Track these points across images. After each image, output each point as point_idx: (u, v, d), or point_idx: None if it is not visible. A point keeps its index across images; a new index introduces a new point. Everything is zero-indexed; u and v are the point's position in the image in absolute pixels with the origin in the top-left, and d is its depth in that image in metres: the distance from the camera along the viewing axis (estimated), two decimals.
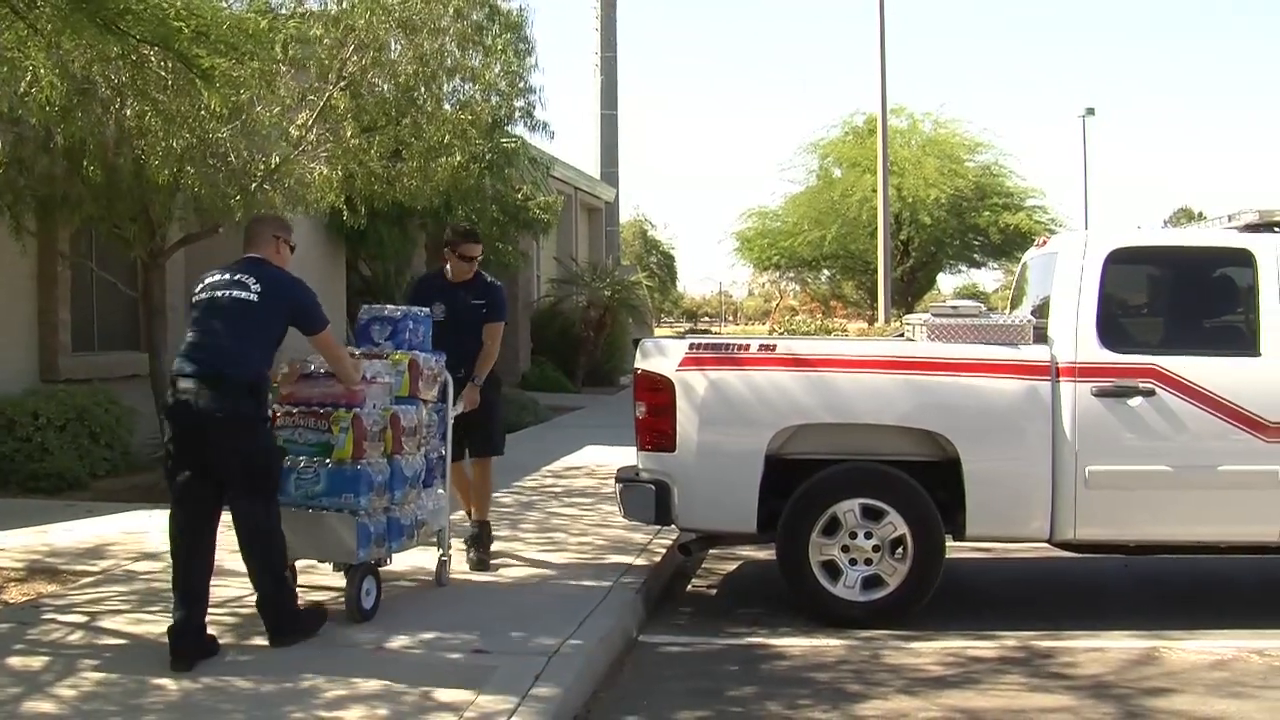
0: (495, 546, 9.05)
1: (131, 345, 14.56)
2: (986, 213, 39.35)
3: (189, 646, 6.43)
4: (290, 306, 6.91)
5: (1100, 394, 7.77)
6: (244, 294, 6.78)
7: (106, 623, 7.11)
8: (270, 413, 7.17)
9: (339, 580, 7.52)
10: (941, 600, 7.95)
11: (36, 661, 6.35)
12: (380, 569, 7.53)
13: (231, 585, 7.90)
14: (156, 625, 7.02)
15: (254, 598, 6.88)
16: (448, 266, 9.11)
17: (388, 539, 7.47)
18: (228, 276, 6.90)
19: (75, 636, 6.86)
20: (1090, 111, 50.21)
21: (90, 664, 6.34)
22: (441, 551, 8.24)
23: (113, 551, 9.00)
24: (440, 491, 8.21)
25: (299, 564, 7.53)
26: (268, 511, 6.82)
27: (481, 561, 8.74)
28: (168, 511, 6.81)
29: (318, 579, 7.84)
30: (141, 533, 9.67)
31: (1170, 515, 7.90)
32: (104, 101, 10.00)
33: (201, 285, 6.97)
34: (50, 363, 13.27)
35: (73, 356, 13.62)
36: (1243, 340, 8.05)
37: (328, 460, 7.24)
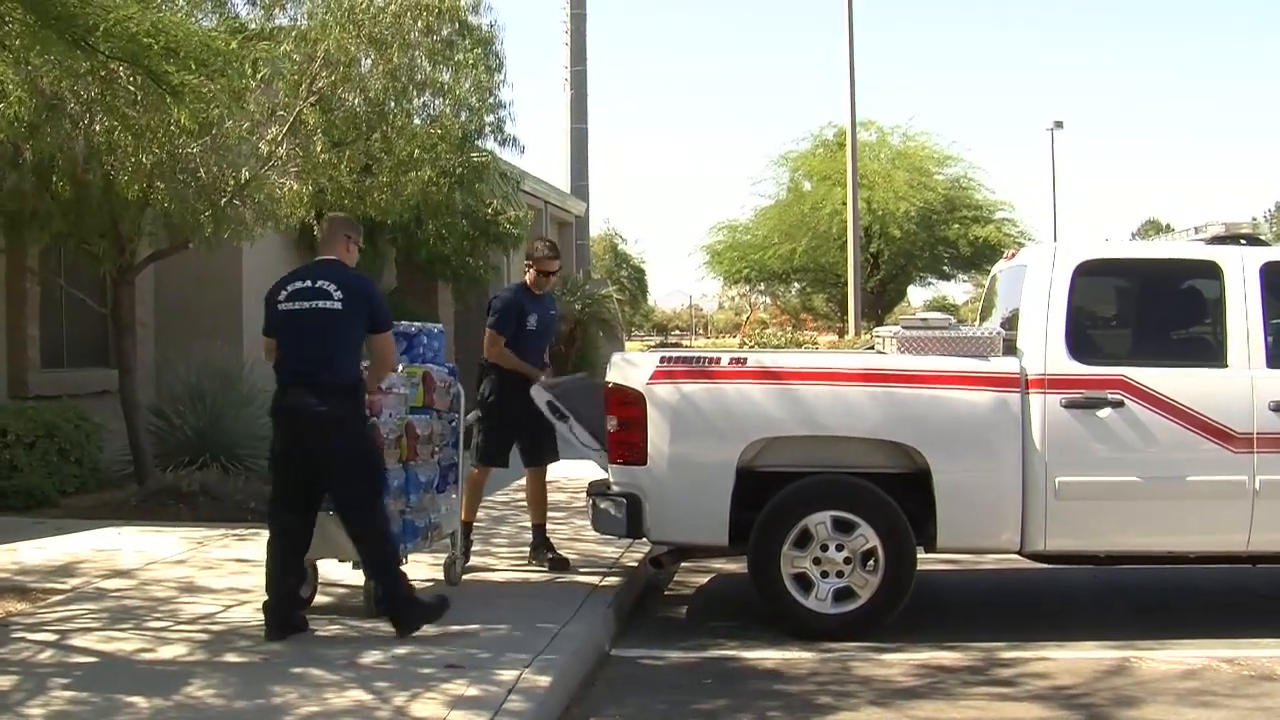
0: (469, 561, 9.08)
1: (101, 361, 14.47)
2: (956, 225, 39.50)
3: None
4: (369, 309, 7.22)
5: (1069, 405, 7.81)
6: (328, 303, 7.09)
7: (77, 641, 7.06)
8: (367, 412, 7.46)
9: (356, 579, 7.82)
10: (912, 612, 7.96)
11: (6, 681, 6.30)
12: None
13: (203, 602, 7.90)
14: (128, 643, 7.00)
15: (227, 615, 6.88)
16: (529, 279, 9.46)
17: (404, 540, 7.76)
18: (309, 284, 7.18)
19: (45, 655, 6.80)
20: (1059, 124, 50.78)
21: (61, 682, 6.28)
22: (451, 553, 8.56)
23: (83, 569, 8.94)
24: (454, 497, 8.59)
25: (320, 563, 7.73)
26: (373, 515, 7.13)
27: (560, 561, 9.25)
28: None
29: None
30: (112, 550, 9.62)
31: (1140, 525, 7.94)
32: (73, 117, 9.98)
33: (285, 293, 7.22)
34: (19, 379, 13.17)
35: (42, 373, 13.52)
36: (1210, 351, 8.10)
37: None
